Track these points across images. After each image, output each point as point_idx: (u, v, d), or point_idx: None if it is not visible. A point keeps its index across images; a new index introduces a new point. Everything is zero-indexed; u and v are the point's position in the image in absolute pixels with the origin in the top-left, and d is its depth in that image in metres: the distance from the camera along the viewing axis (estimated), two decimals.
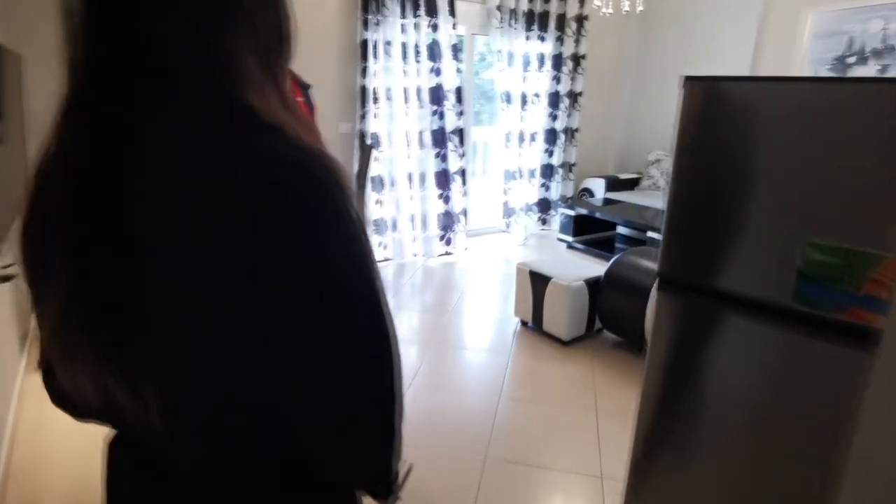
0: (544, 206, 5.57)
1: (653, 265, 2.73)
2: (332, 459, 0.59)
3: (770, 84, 1.14)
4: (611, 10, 3.46)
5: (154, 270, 0.49)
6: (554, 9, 4.95)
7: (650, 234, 4.18)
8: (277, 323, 0.50)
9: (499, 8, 4.63)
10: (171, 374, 0.52)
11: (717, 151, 1.20)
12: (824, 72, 4.39)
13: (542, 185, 5.50)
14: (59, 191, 0.52)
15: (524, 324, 3.30)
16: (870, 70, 4.14)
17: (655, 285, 1.40)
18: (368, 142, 4.21)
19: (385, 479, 0.58)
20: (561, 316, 2.99)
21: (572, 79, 5.28)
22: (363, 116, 4.20)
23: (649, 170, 5.53)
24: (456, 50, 4.44)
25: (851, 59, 4.24)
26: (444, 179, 4.67)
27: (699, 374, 1.34)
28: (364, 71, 4.11)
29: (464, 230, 4.94)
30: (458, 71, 4.50)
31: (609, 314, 2.98)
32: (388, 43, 4.15)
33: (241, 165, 0.49)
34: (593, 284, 3.03)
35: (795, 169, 1.11)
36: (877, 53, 4.10)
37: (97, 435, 0.65)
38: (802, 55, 4.51)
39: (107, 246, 0.50)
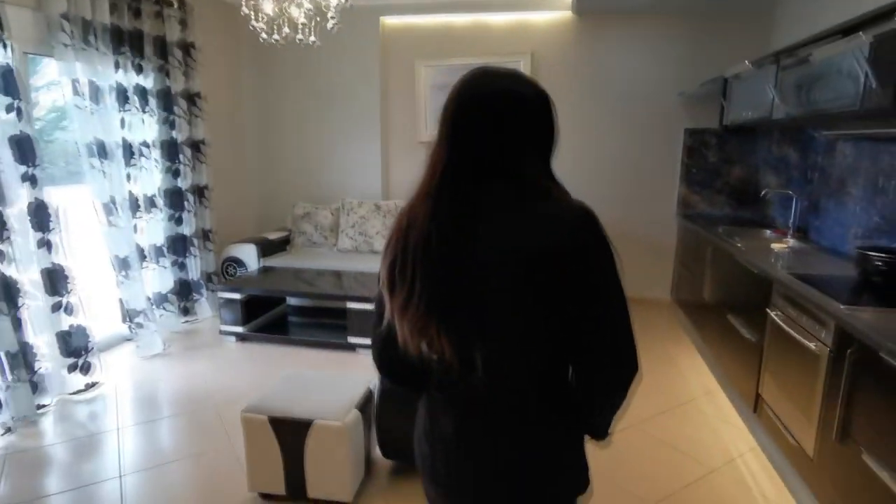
0: (184, 291, 4.12)
1: None
2: (597, 405, 0.91)
3: None
4: (277, 38, 2.63)
5: (493, 284, 0.83)
6: (148, 28, 3.64)
7: (351, 304, 3.55)
8: (570, 311, 0.83)
9: (66, 18, 3.02)
10: (492, 343, 0.86)
11: None
12: None
13: (176, 263, 4.04)
14: (424, 234, 0.84)
15: (268, 497, 2.13)
16: None
17: None
18: None
19: (609, 424, 0.95)
20: (340, 468, 2.03)
21: (190, 123, 4.06)
22: None
23: (300, 225, 4.86)
24: (7, 79, 2.63)
25: None
26: (8, 290, 2.74)
27: None
28: None
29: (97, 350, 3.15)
30: (13, 111, 2.69)
31: (393, 438, 2.21)
32: None
33: (553, 219, 0.83)
34: (364, 406, 2.19)
35: None
36: None
37: None
38: (426, 105, 4.77)
39: (459, 269, 0.83)
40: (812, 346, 1.96)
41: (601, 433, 0.96)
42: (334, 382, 2.29)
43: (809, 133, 3.25)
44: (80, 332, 3.09)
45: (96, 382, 3.13)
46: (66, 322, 3.02)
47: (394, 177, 4.98)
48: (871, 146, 2.59)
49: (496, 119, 0.84)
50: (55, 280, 2.95)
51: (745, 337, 2.65)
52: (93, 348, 3.15)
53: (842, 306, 1.85)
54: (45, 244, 2.90)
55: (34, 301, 2.87)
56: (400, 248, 0.87)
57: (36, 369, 2.85)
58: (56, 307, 2.97)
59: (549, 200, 0.84)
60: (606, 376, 0.87)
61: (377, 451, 2.32)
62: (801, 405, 2.06)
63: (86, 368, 3.10)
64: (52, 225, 2.93)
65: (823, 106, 2.50)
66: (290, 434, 2.02)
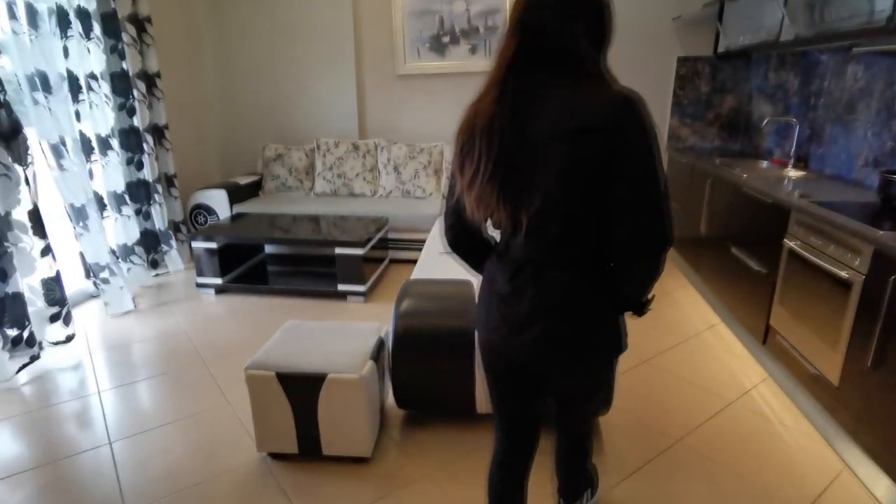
0: (150, 242, 3.79)
1: (445, 295, 1.99)
2: (635, 277, 1.05)
3: None
4: None
5: (543, 156, 0.96)
6: None
7: (339, 250, 3.33)
8: (611, 183, 0.95)
9: None
10: (538, 210, 0.99)
11: None
12: (425, 50, 4.42)
13: (139, 212, 3.69)
14: (489, 117, 0.98)
15: (279, 457, 1.99)
16: (462, 49, 4.39)
17: None
18: None
19: (646, 299, 1.11)
20: (358, 423, 1.89)
21: (141, 52, 3.60)
22: None
23: (271, 168, 4.51)
24: None
25: (446, 39, 4.39)
26: None
27: None
28: None
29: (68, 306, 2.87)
30: None
31: (409, 388, 2.08)
32: None
33: (599, 102, 0.93)
34: (377, 355, 2.04)
35: None
36: (465, 33, 4.36)
37: None
38: (404, 34, 4.40)
39: (517, 145, 0.97)
40: (843, 274, 1.91)
41: (638, 306, 1.11)
42: (341, 332, 2.12)
43: (815, 56, 3.13)
44: (59, 280, 2.82)
45: (74, 335, 2.88)
46: (52, 268, 2.76)
47: (370, 113, 4.65)
48: (889, 64, 2.49)
49: (555, 16, 0.96)
50: (38, 222, 2.69)
51: (753, 269, 2.60)
52: (68, 300, 2.89)
53: (880, 232, 1.78)
54: (27, 181, 2.62)
55: (23, 244, 2.65)
56: (468, 135, 1.02)
57: (27, 322, 2.62)
58: (45, 251, 2.71)
59: (599, 86, 0.96)
60: (638, 249, 0.99)
61: (389, 402, 2.21)
62: (824, 334, 2.03)
63: (67, 319, 2.85)
64: (29, 160, 2.65)
65: (840, 24, 2.37)
66: (301, 390, 1.86)
